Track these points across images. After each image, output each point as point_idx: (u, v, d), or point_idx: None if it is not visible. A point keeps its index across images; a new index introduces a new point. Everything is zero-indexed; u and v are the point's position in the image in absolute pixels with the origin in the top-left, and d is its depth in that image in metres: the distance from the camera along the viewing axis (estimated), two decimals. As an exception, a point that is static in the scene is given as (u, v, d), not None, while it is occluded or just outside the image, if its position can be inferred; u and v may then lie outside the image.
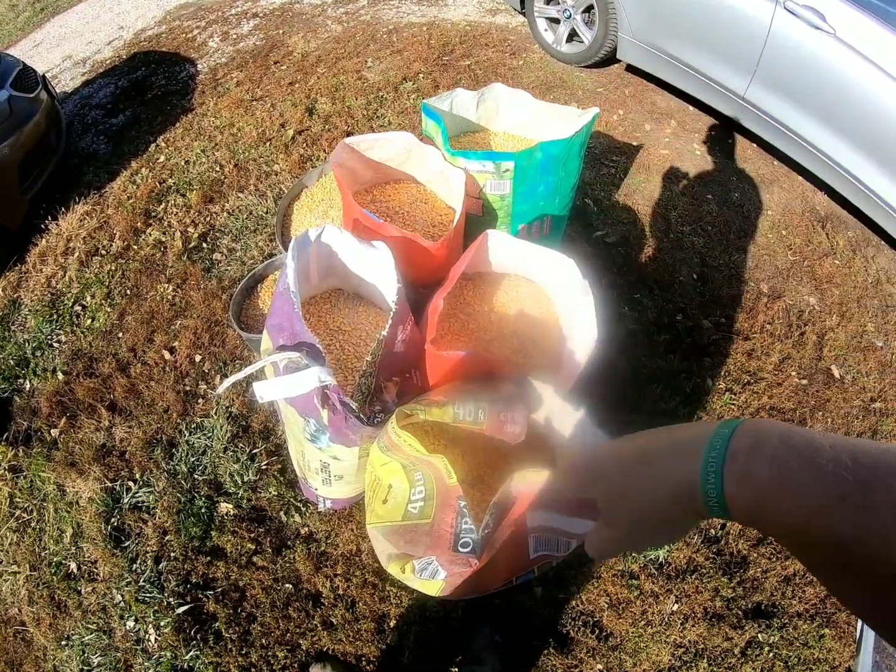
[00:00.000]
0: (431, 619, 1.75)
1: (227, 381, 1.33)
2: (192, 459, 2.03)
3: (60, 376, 2.26)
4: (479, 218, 2.00)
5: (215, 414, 2.10)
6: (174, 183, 2.82)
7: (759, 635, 1.81)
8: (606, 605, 1.81)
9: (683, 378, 2.36)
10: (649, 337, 2.47)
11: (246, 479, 1.95)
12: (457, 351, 1.46)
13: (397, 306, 1.35)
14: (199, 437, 2.07)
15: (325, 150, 2.92)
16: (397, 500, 1.31)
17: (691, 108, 3.53)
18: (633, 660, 1.74)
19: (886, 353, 2.81)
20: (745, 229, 3.09)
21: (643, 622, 1.79)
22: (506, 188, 1.89)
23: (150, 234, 2.62)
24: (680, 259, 2.78)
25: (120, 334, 2.38)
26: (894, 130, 2.63)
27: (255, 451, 2.01)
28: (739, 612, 1.81)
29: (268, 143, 2.97)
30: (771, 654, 1.79)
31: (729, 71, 3.00)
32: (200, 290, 2.43)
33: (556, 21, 3.50)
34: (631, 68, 3.56)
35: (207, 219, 2.68)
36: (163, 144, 3.04)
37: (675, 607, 1.84)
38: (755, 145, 3.49)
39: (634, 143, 3.27)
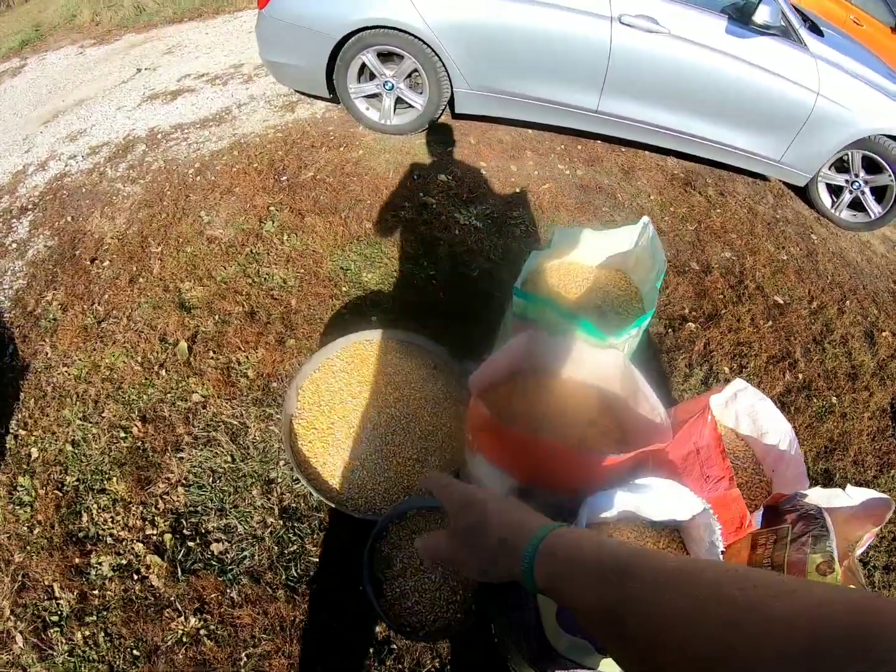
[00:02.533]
0: None
1: None
2: None
3: None
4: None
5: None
6: (78, 480, 2.00)
7: None
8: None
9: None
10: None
11: None
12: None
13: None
14: None
15: (240, 348, 2.33)
16: None
17: (530, 131, 3.58)
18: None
19: (792, 261, 3.31)
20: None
21: None
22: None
23: (103, 566, 1.84)
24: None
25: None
26: (724, 92, 3.17)
27: None
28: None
29: (162, 371, 2.27)
30: None
31: (579, 93, 3.16)
32: (250, 608, 1.79)
33: (375, 96, 3.23)
34: (457, 115, 3.47)
35: (161, 507, 1.96)
36: (22, 433, 2.13)
37: None
38: (599, 141, 3.67)
39: (517, 190, 3.22)
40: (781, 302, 3.22)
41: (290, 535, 1.91)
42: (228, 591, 1.79)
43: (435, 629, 1.52)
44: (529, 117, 3.32)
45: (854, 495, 1.54)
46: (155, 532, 1.89)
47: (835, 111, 3.28)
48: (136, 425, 2.12)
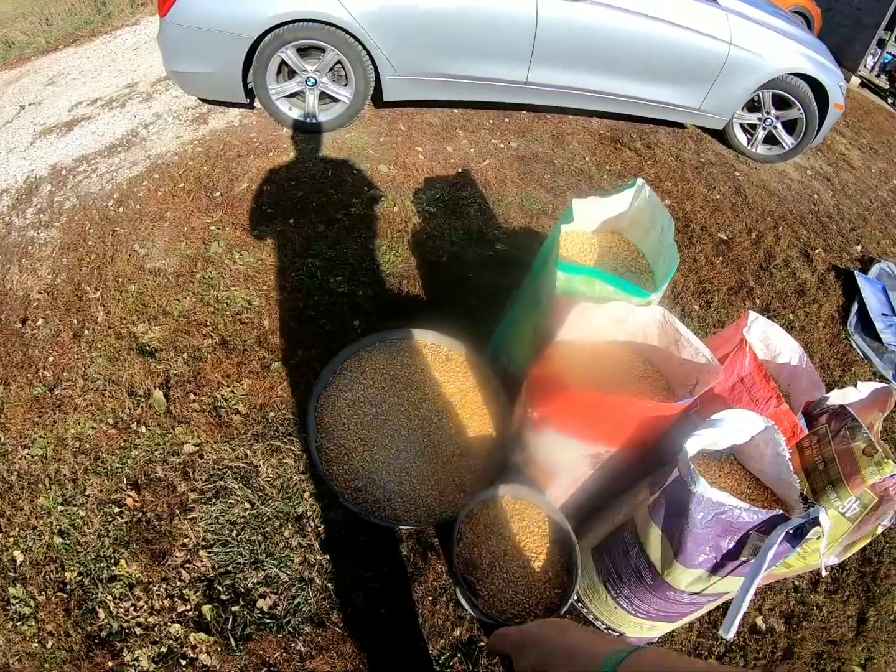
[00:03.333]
0: None
1: None
2: None
3: None
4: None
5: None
6: (81, 573, 1.73)
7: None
8: None
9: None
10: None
11: None
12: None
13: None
14: None
15: (222, 383, 2.13)
16: None
17: (457, 110, 3.54)
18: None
19: (725, 199, 3.55)
20: (592, 185, 3.31)
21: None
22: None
23: (141, 661, 1.58)
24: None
25: None
26: (646, 51, 3.34)
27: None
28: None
29: (142, 428, 2.02)
30: None
31: (508, 67, 3.18)
32: (324, 656, 1.65)
33: (297, 94, 3.05)
34: (380, 104, 3.35)
35: (186, 578, 1.75)
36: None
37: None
38: (525, 112, 3.69)
39: (460, 170, 3.17)
40: (726, 238, 3.40)
41: (341, 568, 1.79)
42: (293, 645, 1.65)
43: (542, 610, 1.48)
44: (461, 97, 3.28)
45: (863, 389, 1.72)
46: (188, 607, 1.70)
47: (746, 58, 3.53)
48: (130, 496, 1.89)
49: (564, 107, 3.56)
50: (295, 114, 3.09)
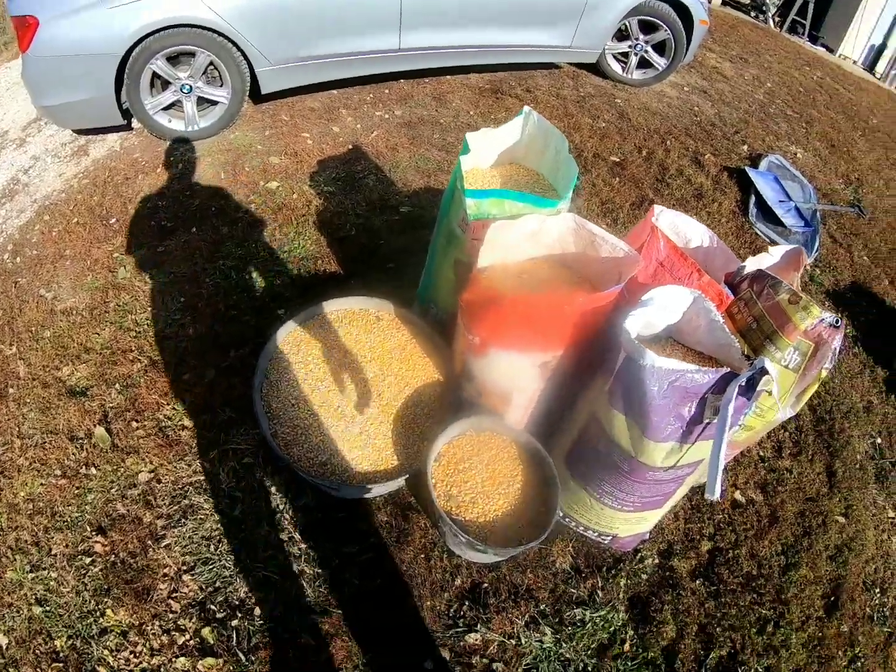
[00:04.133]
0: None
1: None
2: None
3: None
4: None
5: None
6: (70, 636, 1.52)
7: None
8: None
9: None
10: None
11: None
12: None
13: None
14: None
15: (161, 403, 2.04)
16: None
17: (335, 91, 3.51)
18: None
19: (610, 126, 3.77)
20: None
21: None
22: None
23: None
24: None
25: None
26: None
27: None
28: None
29: (92, 469, 1.86)
30: None
31: (380, 36, 3.18)
32: (338, 641, 1.62)
33: (175, 105, 2.93)
34: (259, 99, 3.28)
35: (177, 608, 1.61)
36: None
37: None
38: (402, 80, 3.70)
39: (350, 147, 3.14)
40: (618, 160, 3.53)
41: (327, 551, 1.76)
42: (303, 640, 1.62)
43: (532, 529, 1.52)
44: (338, 75, 3.26)
45: (775, 253, 1.83)
46: (188, 636, 1.62)
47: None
48: (98, 541, 1.77)
49: (441, 67, 3.59)
50: (176, 125, 2.97)
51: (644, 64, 4.33)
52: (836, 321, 1.52)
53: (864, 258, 3.77)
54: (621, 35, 4.16)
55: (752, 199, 3.62)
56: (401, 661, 1.63)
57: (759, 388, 1.32)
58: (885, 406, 2.90)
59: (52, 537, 1.77)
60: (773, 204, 3.56)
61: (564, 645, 1.73)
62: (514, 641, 1.71)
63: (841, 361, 2.98)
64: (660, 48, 4.24)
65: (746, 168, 3.78)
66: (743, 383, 1.29)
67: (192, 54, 2.79)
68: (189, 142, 3.02)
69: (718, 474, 1.28)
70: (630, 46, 4.21)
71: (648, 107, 4.17)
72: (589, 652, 1.74)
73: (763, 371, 1.29)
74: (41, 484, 1.89)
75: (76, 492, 1.86)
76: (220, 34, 2.75)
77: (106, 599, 1.65)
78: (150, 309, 2.31)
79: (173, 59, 2.81)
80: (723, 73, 5.30)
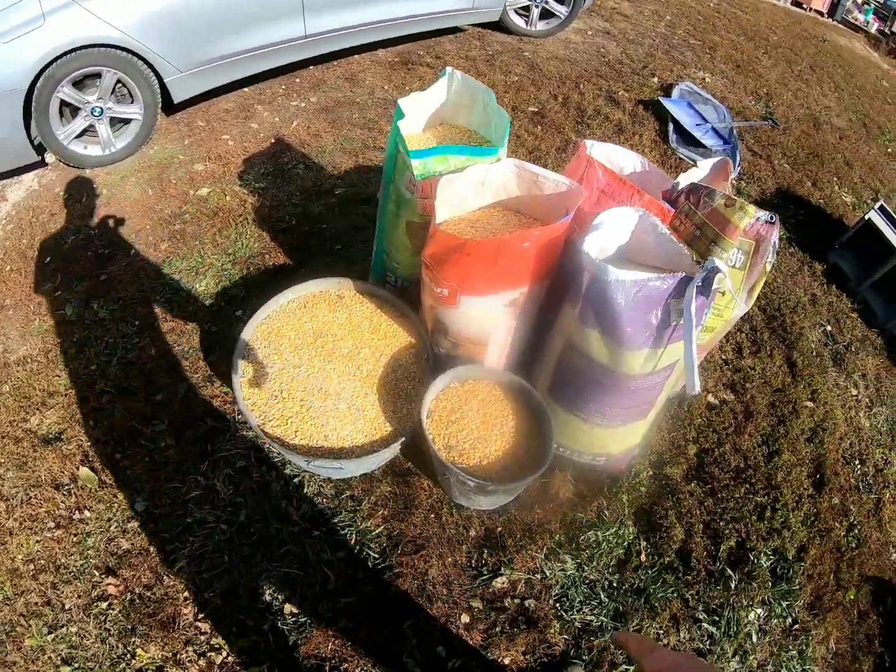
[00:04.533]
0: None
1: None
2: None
3: None
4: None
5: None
6: None
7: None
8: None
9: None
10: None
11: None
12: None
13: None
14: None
15: (138, 429, 2.00)
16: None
17: (247, 89, 3.45)
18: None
19: (523, 79, 3.92)
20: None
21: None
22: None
23: None
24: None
25: None
26: None
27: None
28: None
29: (86, 512, 1.79)
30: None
31: (285, 25, 3.14)
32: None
33: (88, 130, 2.82)
34: (172, 110, 3.20)
35: (206, 629, 1.61)
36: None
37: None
38: (312, 67, 3.66)
39: (273, 141, 3.12)
40: (537, 110, 3.60)
41: (341, 532, 1.79)
42: (340, 623, 1.66)
43: (533, 460, 1.57)
44: (248, 72, 3.19)
45: (703, 166, 1.92)
46: (225, 653, 1.61)
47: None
48: (110, 583, 1.72)
49: (350, 47, 3.57)
50: (92, 150, 2.85)
51: (546, 14, 4.39)
52: (771, 217, 1.62)
53: (785, 165, 3.96)
54: (507, -10, 4.22)
55: (671, 126, 3.75)
56: (436, 619, 1.68)
57: (714, 286, 1.41)
58: (829, 296, 3.09)
59: (62, 591, 1.71)
60: (690, 128, 3.70)
61: (586, 568, 1.82)
62: (538, 576, 1.79)
63: (780, 262, 3.15)
64: (551, -4, 4.32)
65: (660, 98, 3.91)
66: (699, 284, 1.37)
67: (98, 75, 2.69)
68: (110, 165, 2.93)
69: (695, 370, 1.36)
70: (531, 1, 4.26)
71: (556, 55, 4.25)
72: (610, 569, 1.84)
73: (715, 270, 1.38)
74: (37, 541, 1.81)
75: (75, 539, 1.80)
76: (124, 49, 2.65)
77: (133, 639, 1.62)
78: (106, 339, 2.24)
79: (79, 84, 2.70)
80: (622, 13, 5.42)
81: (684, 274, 1.40)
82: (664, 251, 1.57)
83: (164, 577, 1.72)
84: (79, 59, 2.57)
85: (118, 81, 2.74)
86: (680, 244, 1.53)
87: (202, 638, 1.63)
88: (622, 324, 1.39)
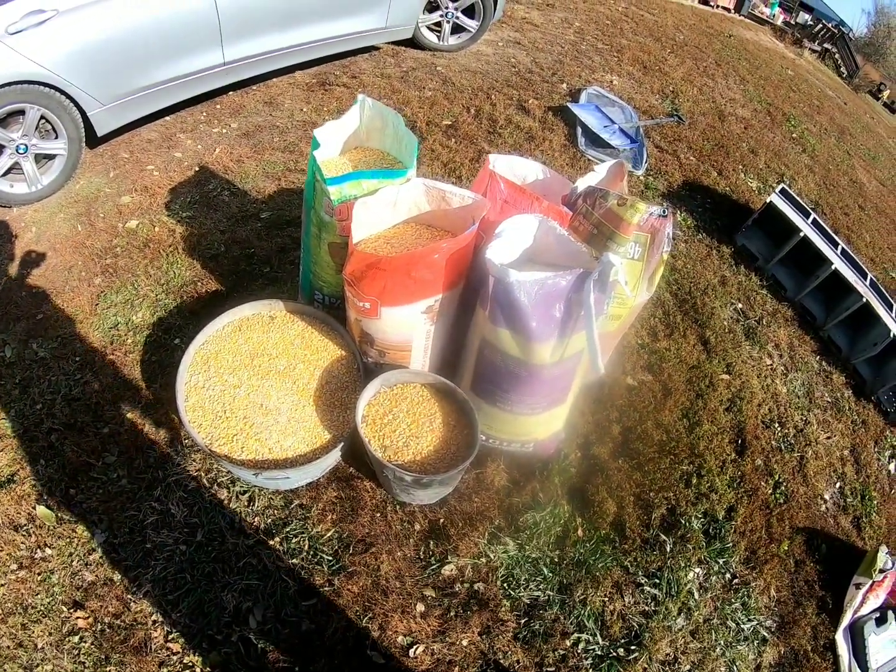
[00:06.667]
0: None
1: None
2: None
3: None
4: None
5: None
6: None
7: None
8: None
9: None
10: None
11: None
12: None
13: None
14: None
15: (89, 463, 2.02)
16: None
17: (168, 118, 3.49)
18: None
19: (437, 93, 4.21)
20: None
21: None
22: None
23: None
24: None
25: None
26: None
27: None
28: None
29: (47, 550, 1.79)
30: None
31: (203, 55, 3.20)
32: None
33: (14, 168, 2.80)
34: (95, 143, 3.21)
35: (178, 646, 1.69)
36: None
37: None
38: (231, 93, 3.73)
39: (197, 169, 3.18)
40: (450, 123, 3.80)
41: (295, 540, 1.89)
42: (301, 627, 1.75)
43: (464, 450, 1.74)
44: (169, 101, 3.23)
45: (600, 170, 2.11)
46: (199, 668, 1.68)
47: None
48: (79, 616, 1.75)
49: (269, 71, 3.66)
50: (19, 188, 2.84)
51: (458, 29, 4.58)
52: (663, 211, 1.82)
53: (691, 158, 4.25)
54: (432, 7, 4.39)
55: (579, 130, 3.99)
56: (393, 611, 1.80)
57: (610, 279, 1.59)
58: (738, 276, 3.35)
59: (33, 631, 1.73)
60: (597, 130, 3.95)
61: (527, 548, 1.97)
62: (484, 560, 1.93)
63: (689, 249, 3.41)
64: (470, 12, 4.51)
65: (568, 104, 4.15)
66: (596, 277, 1.55)
67: (22, 112, 2.70)
68: (36, 202, 2.93)
69: (598, 354, 1.54)
70: (441, 16, 4.44)
71: (469, 68, 4.44)
72: (550, 547, 1.99)
73: (610, 264, 1.55)
74: (1, 584, 1.83)
75: (39, 578, 1.82)
76: (47, 85, 2.67)
77: (108, 668, 1.66)
78: (49, 377, 2.27)
79: (2, 122, 2.70)
80: (532, 22, 5.67)
81: (582, 270, 1.57)
82: (565, 250, 1.74)
83: (132, 604, 1.77)
84: (2, 97, 2.58)
85: (41, 117, 2.75)
86: (579, 243, 1.71)
87: (175, 658, 1.70)
88: (528, 320, 1.55)
